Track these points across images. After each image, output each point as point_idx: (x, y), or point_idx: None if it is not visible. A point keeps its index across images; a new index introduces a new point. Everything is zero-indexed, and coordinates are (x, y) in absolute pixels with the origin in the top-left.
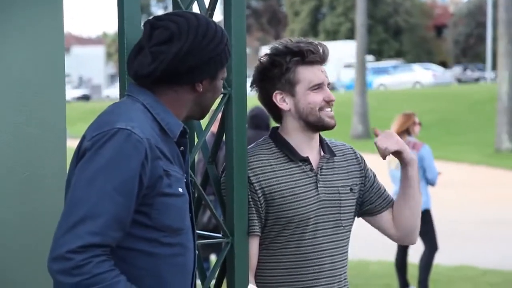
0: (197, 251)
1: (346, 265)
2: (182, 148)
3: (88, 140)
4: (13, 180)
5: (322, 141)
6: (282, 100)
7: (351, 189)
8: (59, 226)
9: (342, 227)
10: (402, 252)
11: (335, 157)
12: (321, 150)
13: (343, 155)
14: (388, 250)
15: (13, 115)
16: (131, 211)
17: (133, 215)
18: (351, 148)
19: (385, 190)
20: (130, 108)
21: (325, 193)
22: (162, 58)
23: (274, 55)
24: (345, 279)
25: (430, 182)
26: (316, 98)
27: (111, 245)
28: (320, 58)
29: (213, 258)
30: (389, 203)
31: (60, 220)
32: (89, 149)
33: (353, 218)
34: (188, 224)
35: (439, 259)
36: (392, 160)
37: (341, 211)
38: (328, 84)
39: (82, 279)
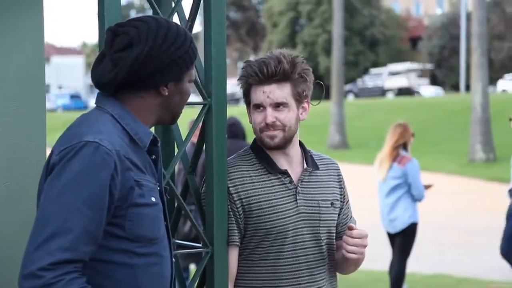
0: (173, 259)
1: (324, 278)
2: (154, 156)
3: (56, 154)
4: None
5: (306, 154)
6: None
7: (332, 204)
8: (30, 242)
9: (321, 240)
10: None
11: (318, 171)
12: (304, 162)
13: (326, 170)
14: (368, 259)
15: None
16: (102, 224)
17: (106, 227)
18: (336, 164)
19: (350, 220)
20: (98, 120)
21: (304, 206)
22: (122, 64)
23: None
24: None
25: (416, 199)
26: (257, 118)
27: (83, 260)
28: (261, 79)
29: (192, 267)
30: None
31: (30, 237)
32: (57, 163)
33: (334, 233)
34: (163, 233)
35: (415, 267)
36: (380, 170)
37: (321, 225)
38: (280, 104)
39: None
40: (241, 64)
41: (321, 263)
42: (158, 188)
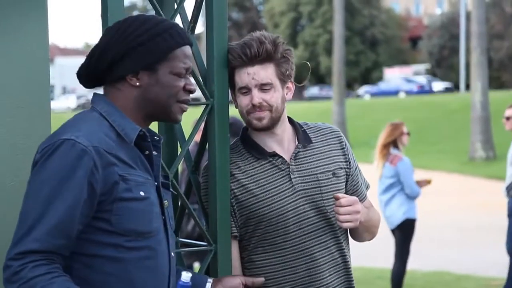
0: (172, 254)
1: (343, 248)
2: (147, 152)
3: (38, 152)
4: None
5: (297, 130)
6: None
7: (333, 174)
8: (12, 240)
9: (328, 212)
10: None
11: (314, 143)
12: (297, 139)
13: (325, 140)
14: (368, 257)
15: None
16: (76, 219)
17: (93, 222)
18: (337, 132)
19: (360, 186)
20: (82, 118)
21: (301, 183)
22: (90, 55)
23: None
24: (345, 261)
25: (410, 196)
26: (243, 101)
27: (56, 252)
28: (244, 61)
29: (196, 265)
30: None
31: (14, 234)
32: (38, 161)
33: None
34: (158, 227)
35: (415, 264)
36: (376, 169)
37: (324, 198)
38: (266, 84)
39: (19, 285)
40: None
41: (335, 234)
42: (155, 183)
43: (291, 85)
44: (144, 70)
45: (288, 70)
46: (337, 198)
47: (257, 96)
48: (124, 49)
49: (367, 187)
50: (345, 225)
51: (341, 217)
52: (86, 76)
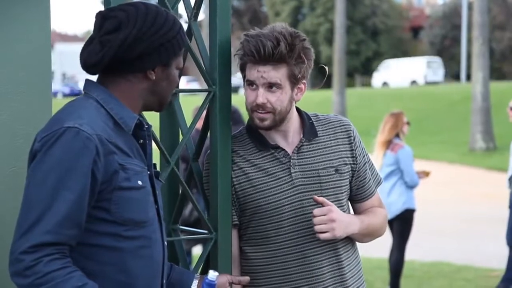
0: (165, 242)
1: (338, 247)
2: (141, 141)
3: (38, 141)
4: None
5: (305, 122)
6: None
7: (336, 170)
8: (16, 230)
9: None
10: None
11: (320, 137)
12: (302, 132)
13: (333, 133)
14: (366, 246)
15: None
16: (84, 209)
17: (92, 211)
18: (347, 125)
19: (367, 182)
20: (81, 106)
21: (301, 178)
22: (110, 46)
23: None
24: (338, 262)
25: (409, 185)
26: (249, 96)
27: (67, 243)
28: (256, 60)
29: (196, 253)
30: (363, 199)
31: (16, 224)
32: (39, 150)
33: (344, 199)
34: (153, 216)
35: (415, 255)
36: (376, 159)
37: (323, 194)
38: (274, 84)
39: (34, 279)
40: None
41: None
42: (148, 172)
43: (303, 86)
44: (161, 65)
45: (301, 72)
46: (315, 200)
47: (262, 96)
48: (155, 44)
49: (378, 183)
50: (322, 236)
51: (316, 227)
52: (104, 63)
